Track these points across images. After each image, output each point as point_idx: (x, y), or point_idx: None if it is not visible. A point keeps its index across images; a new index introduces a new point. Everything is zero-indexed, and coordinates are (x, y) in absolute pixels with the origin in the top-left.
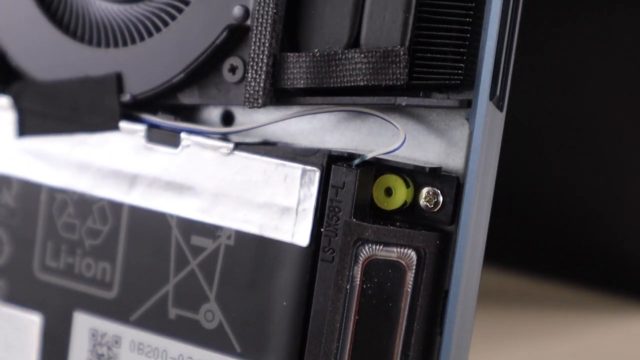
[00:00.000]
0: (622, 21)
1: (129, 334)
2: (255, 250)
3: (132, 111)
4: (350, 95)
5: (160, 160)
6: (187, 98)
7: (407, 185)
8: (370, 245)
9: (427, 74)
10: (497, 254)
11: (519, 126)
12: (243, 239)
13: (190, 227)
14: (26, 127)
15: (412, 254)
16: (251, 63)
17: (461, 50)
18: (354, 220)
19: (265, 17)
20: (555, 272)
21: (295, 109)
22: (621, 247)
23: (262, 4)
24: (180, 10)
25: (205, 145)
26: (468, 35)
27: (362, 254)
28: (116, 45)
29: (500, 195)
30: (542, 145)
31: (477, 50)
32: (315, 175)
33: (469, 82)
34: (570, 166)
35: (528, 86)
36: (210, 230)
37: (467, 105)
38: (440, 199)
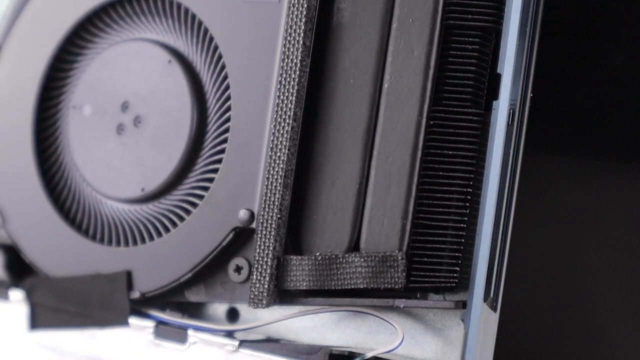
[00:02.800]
0: (619, 214)
1: None
2: None
3: (141, 307)
4: (350, 297)
5: (168, 356)
6: (194, 296)
7: None
8: None
9: (424, 277)
10: None
11: (514, 323)
12: None
13: None
14: (38, 320)
15: None
16: (256, 265)
17: (456, 254)
18: None
19: (270, 221)
20: None
21: (297, 308)
22: None
23: (267, 208)
24: (188, 212)
25: (211, 342)
26: (463, 240)
27: None
28: (127, 244)
29: None
30: (537, 342)
31: (472, 255)
32: None
33: (464, 283)
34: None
35: (523, 281)
36: None
37: (462, 306)
38: None
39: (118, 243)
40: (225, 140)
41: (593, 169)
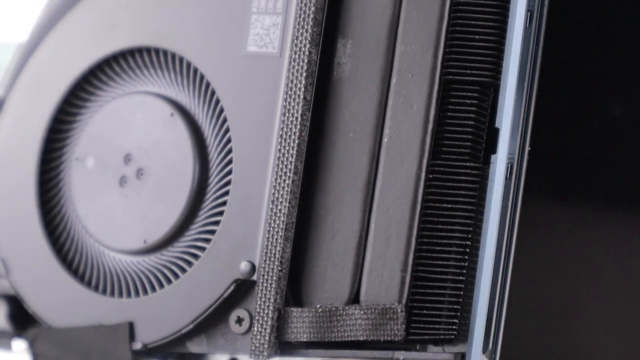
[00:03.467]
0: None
1: None
2: None
3: (143, 358)
4: (351, 349)
5: None
6: (195, 347)
7: None
8: None
9: (423, 329)
10: None
11: None
12: None
13: None
14: None
15: None
16: (257, 317)
17: (455, 306)
18: None
19: (271, 273)
20: None
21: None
22: None
23: (268, 261)
24: (190, 264)
25: None
26: (462, 292)
27: None
28: (129, 295)
29: None
30: None
31: (471, 306)
32: None
33: (463, 335)
34: None
35: (522, 333)
36: None
37: (462, 358)
38: None
39: (120, 294)
40: (226, 193)
41: (592, 219)
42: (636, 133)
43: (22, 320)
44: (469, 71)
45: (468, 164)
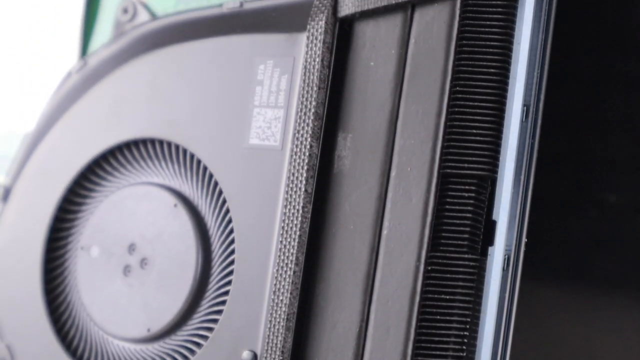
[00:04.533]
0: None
1: None
2: None
3: None
4: None
5: None
6: None
7: None
8: None
9: None
10: None
11: None
12: None
13: None
14: None
15: None
16: None
17: None
18: None
19: None
20: None
21: None
22: None
23: (270, 351)
24: (193, 353)
25: None
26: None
27: None
28: None
29: None
30: None
31: None
32: None
33: None
34: None
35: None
36: None
37: None
38: None
39: None
40: (229, 283)
41: (588, 307)
42: (631, 218)
43: None
44: (466, 165)
45: (466, 255)
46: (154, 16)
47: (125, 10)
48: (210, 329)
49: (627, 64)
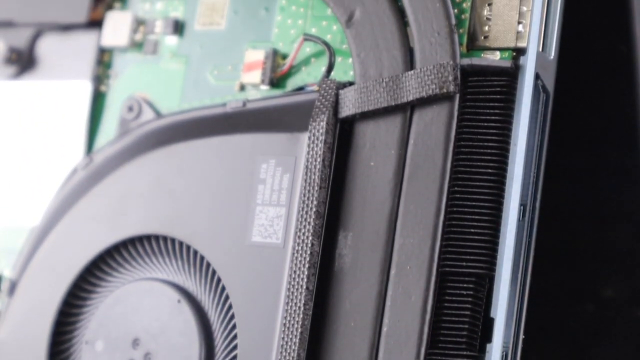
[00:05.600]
0: None
1: None
2: None
3: None
4: None
5: None
6: None
7: None
8: None
9: None
10: None
11: None
12: None
13: None
14: None
15: None
16: None
17: None
18: None
19: None
20: None
21: None
22: None
23: None
24: None
25: None
26: None
27: None
28: None
29: None
30: None
31: None
32: None
33: None
34: None
35: None
36: None
37: None
38: None
39: None
40: None
41: None
42: (628, 312)
43: None
44: (465, 263)
45: (464, 352)
46: (158, 114)
47: (130, 108)
48: None
49: (620, 156)
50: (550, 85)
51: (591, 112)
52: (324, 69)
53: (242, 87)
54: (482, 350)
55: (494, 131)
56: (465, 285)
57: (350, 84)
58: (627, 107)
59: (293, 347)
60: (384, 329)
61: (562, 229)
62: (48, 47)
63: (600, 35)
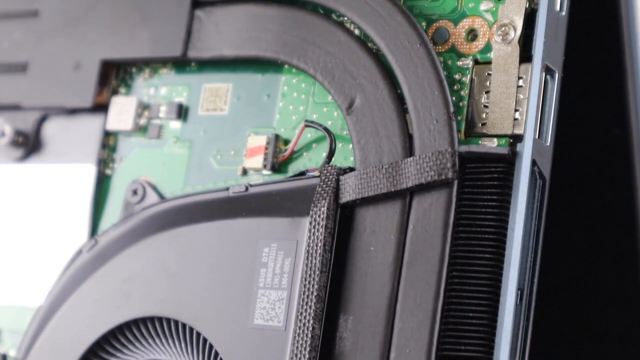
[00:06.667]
0: None
1: None
2: None
3: None
4: None
5: None
6: None
7: None
8: None
9: None
10: None
11: None
12: None
13: None
14: None
15: None
16: None
17: None
18: None
19: None
20: None
21: None
22: None
23: None
24: None
25: None
26: None
27: None
28: None
29: None
30: None
31: None
32: None
33: None
34: None
35: None
36: None
37: None
38: None
39: None
40: None
41: None
42: None
43: None
44: (463, 347)
45: None
46: (162, 197)
47: (134, 192)
48: None
49: (617, 239)
50: (546, 171)
51: (588, 195)
52: (325, 154)
53: (245, 172)
54: None
55: (492, 217)
56: None
57: (351, 169)
58: (623, 189)
59: None
60: None
61: (560, 312)
62: (54, 130)
63: (595, 119)
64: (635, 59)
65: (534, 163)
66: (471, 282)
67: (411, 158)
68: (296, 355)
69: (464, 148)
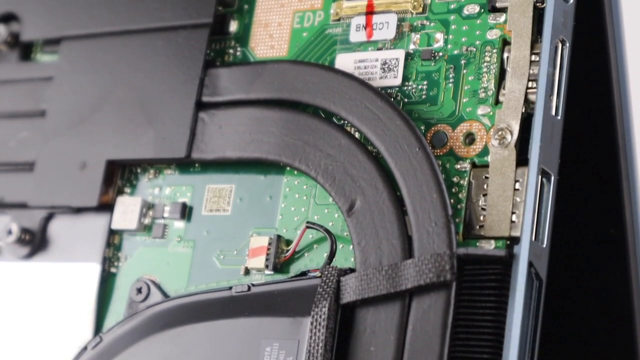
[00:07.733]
0: None
1: None
2: None
3: None
4: None
5: None
6: None
7: None
8: None
9: None
10: None
11: None
12: None
13: None
14: None
15: None
16: None
17: None
18: None
19: None
20: None
21: None
22: None
23: None
24: None
25: None
26: None
27: None
28: None
29: None
30: None
31: None
32: None
33: None
34: None
35: None
36: None
37: None
38: None
39: None
40: None
41: None
42: None
43: None
44: None
45: None
46: (166, 296)
47: (139, 290)
48: None
49: (614, 336)
50: (542, 272)
51: (584, 295)
52: (326, 255)
53: (247, 272)
54: None
55: (489, 317)
56: None
57: (352, 270)
58: (619, 288)
59: None
60: None
61: None
62: (59, 229)
63: (591, 219)
64: (630, 159)
65: (530, 265)
66: None
67: (410, 260)
68: None
69: (462, 250)
